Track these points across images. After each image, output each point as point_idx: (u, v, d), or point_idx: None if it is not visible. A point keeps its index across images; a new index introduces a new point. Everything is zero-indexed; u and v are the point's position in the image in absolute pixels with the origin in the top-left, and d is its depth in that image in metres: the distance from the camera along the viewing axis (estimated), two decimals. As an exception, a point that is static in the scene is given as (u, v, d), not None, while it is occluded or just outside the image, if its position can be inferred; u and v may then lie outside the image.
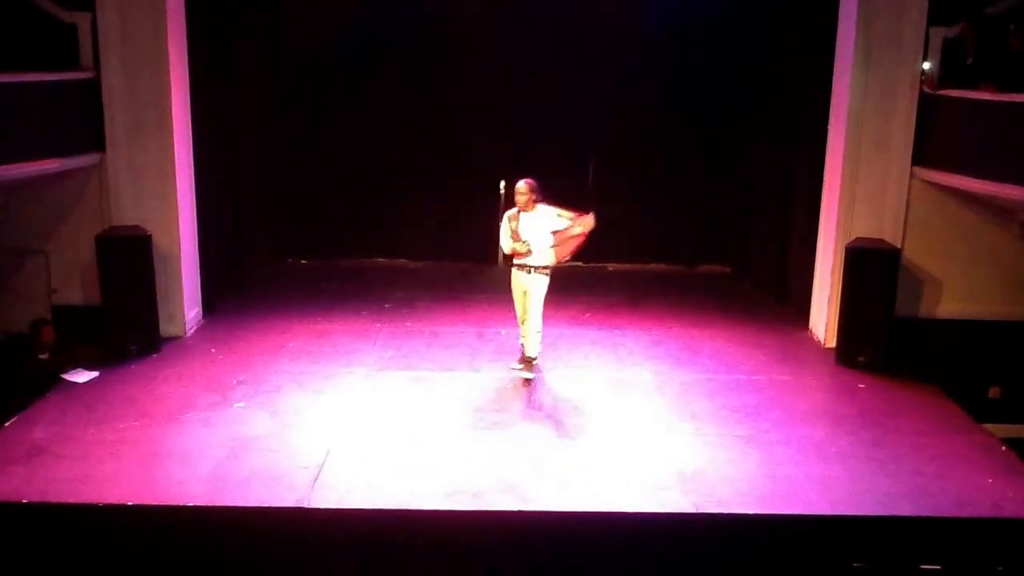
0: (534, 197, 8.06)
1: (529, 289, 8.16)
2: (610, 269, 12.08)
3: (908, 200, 9.05)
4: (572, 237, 8.14)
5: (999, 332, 9.31)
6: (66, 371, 8.22)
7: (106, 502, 6.16)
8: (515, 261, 8.17)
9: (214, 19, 9.62)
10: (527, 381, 8.28)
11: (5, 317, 9.18)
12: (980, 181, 8.39)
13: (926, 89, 8.73)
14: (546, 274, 8.14)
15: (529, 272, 8.12)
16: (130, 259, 8.60)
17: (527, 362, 8.41)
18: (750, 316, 10.26)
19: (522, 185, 8.07)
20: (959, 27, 8.67)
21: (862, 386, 8.42)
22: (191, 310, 9.42)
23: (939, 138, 8.77)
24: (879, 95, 8.79)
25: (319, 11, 11.30)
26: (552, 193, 11.65)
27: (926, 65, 8.72)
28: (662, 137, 11.69)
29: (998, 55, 8.39)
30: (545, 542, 6.18)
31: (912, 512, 6.25)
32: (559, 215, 8.14)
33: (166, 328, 9.03)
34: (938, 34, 8.70)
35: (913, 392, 8.28)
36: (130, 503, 6.17)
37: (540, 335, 8.38)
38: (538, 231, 8.07)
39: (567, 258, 8.25)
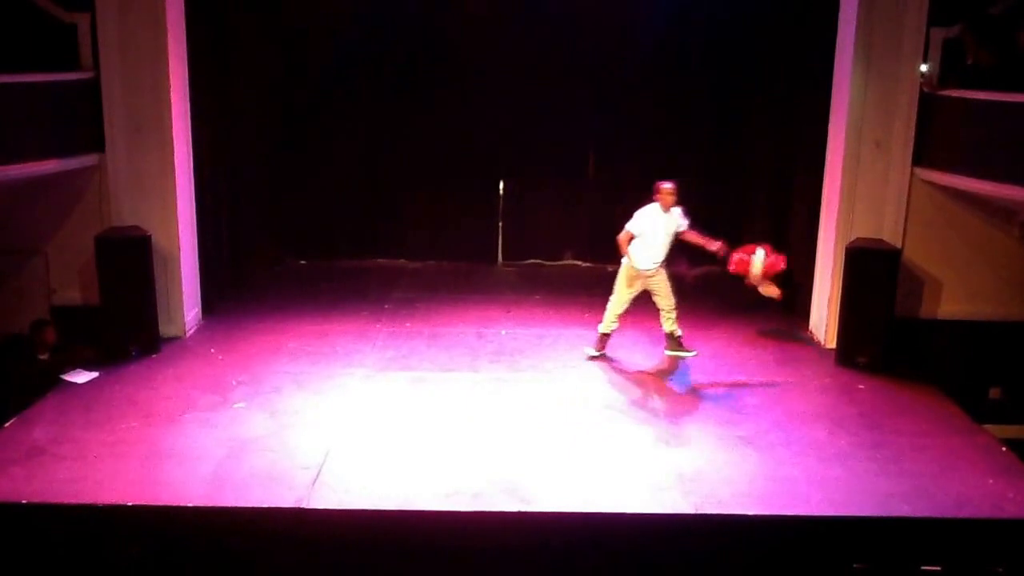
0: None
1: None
2: (610, 270, 12.03)
3: (908, 200, 9.04)
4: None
5: (999, 333, 9.31)
6: (66, 371, 8.22)
7: (106, 502, 6.17)
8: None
9: (214, 19, 9.62)
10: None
11: (5, 317, 9.17)
12: (980, 181, 8.38)
13: (926, 89, 8.73)
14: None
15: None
16: (129, 259, 8.60)
17: (675, 341, 8.73)
18: (750, 316, 10.26)
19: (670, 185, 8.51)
20: (958, 28, 8.67)
21: (862, 387, 8.42)
22: (190, 310, 9.41)
23: (939, 138, 8.76)
24: (879, 95, 8.79)
25: (319, 11, 11.30)
26: (551, 192, 11.77)
27: (924, 67, 8.71)
28: (663, 137, 11.66)
29: (1001, 54, 8.38)
30: (545, 543, 6.18)
31: (912, 513, 6.25)
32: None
33: (165, 328, 9.03)
34: (938, 34, 8.69)
35: (913, 393, 8.28)
36: (130, 503, 6.17)
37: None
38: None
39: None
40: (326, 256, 12.06)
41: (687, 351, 8.70)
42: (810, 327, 9.77)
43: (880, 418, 7.73)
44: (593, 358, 8.81)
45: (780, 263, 9.04)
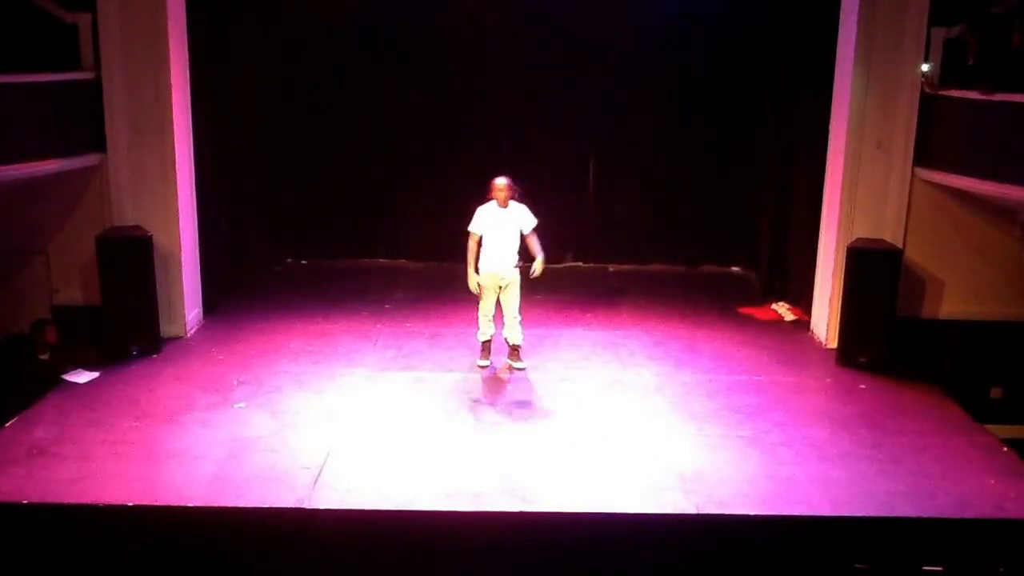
0: (511, 194, 8.23)
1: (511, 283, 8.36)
2: (611, 269, 12.08)
3: (909, 200, 9.04)
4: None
5: (1000, 332, 9.31)
6: (66, 371, 8.22)
7: (106, 502, 6.16)
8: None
9: (215, 19, 9.62)
10: (518, 369, 8.53)
11: (5, 317, 9.17)
12: (980, 181, 8.38)
13: (927, 89, 8.73)
14: (519, 267, 8.36)
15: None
16: (131, 259, 8.60)
17: (515, 351, 8.58)
18: (751, 316, 10.26)
19: (502, 181, 8.21)
20: (959, 28, 8.66)
21: (863, 387, 8.41)
22: (191, 310, 9.42)
23: (940, 138, 8.76)
24: (880, 95, 8.78)
25: (320, 12, 11.30)
26: (552, 193, 11.75)
27: (925, 67, 8.71)
28: (663, 137, 11.68)
29: (999, 54, 8.38)
30: (545, 542, 6.17)
31: (913, 513, 6.24)
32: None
33: (167, 328, 9.03)
34: (939, 35, 8.69)
35: (914, 393, 8.27)
36: (130, 503, 6.17)
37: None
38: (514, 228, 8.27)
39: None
40: (326, 256, 12.06)
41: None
42: (811, 327, 9.76)
43: (881, 418, 7.73)
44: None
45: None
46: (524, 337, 8.62)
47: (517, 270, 8.31)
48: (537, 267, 8.22)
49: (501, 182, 8.17)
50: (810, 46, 9.72)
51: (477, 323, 8.57)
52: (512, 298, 8.38)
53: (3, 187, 8.37)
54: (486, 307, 8.43)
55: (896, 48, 8.67)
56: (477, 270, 8.27)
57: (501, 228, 8.21)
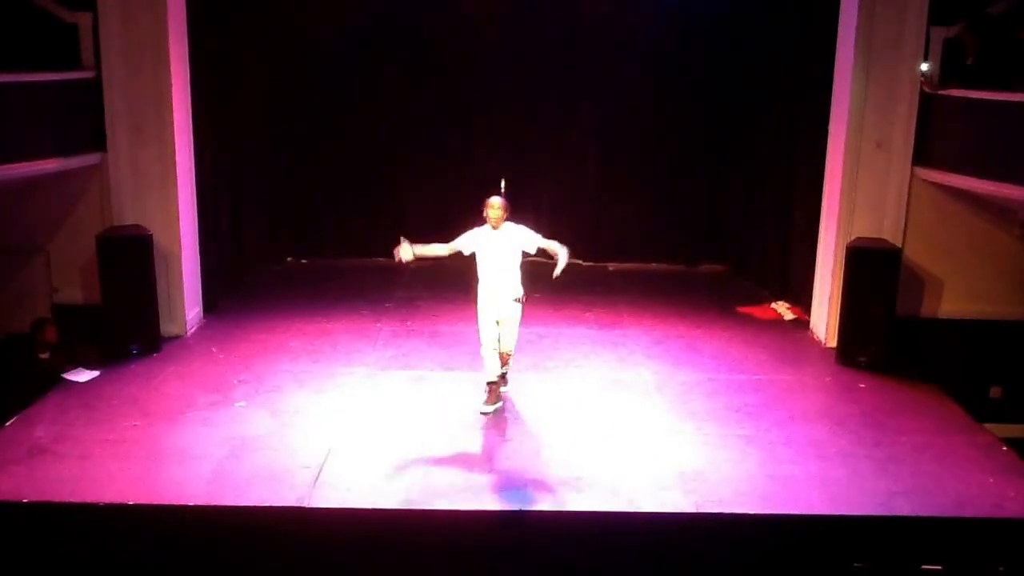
0: (506, 215, 7.36)
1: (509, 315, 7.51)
2: (610, 269, 12.08)
3: (908, 200, 9.04)
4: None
5: (1000, 332, 9.31)
6: (67, 370, 8.22)
7: (106, 502, 6.16)
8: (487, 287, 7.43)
9: (215, 18, 9.63)
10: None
11: (6, 316, 9.18)
12: (980, 181, 8.39)
13: (926, 89, 8.73)
14: (520, 301, 7.50)
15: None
16: (131, 258, 8.60)
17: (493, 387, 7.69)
18: (750, 316, 10.26)
19: (496, 200, 7.35)
20: (958, 28, 8.66)
21: (863, 386, 8.42)
22: (192, 309, 9.42)
23: (940, 138, 8.76)
24: (879, 95, 8.78)
25: (320, 12, 11.30)
26: (552, 192, 11.77)
27: (924, 66, 8.71)
28: (663, 136, 11.69)
29: (1001, 53, 8.37)
30: (545, 542, 6.18)
31: (913, 512, 6.25)
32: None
33: (167, 327, 9.04)
34: (938, 34, 8.69)
35: (914, 392, 8.28)
36: (130, 503, 6.17)
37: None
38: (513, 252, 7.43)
39: None
40: (327, 255, 12.07)
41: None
42: (811, 326, 9.77)
43: (881, 417, 7.73)
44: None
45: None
46: (523, 337, 8.57)
47: (518, 304, 7.48)
48: (560, 263, 7.20)
49: (493, 200, 7.30)
50: (810, 46, 9.73)
51: (482, 358, 7.54)
52: (508, 335, 7.52)
53: (3, 186, 8.38)
54: (487, 337, 7.41)
55: (896, 48, 8.67)
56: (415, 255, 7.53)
57: (496, 252, 7.34)
